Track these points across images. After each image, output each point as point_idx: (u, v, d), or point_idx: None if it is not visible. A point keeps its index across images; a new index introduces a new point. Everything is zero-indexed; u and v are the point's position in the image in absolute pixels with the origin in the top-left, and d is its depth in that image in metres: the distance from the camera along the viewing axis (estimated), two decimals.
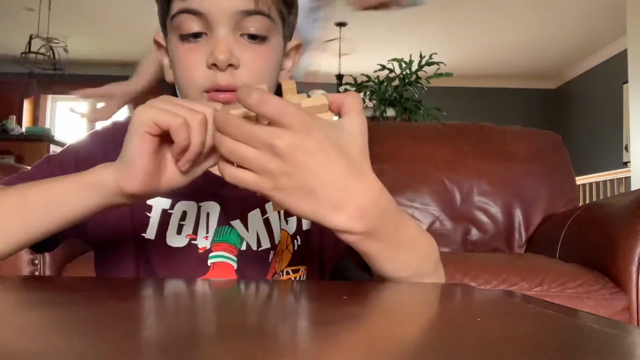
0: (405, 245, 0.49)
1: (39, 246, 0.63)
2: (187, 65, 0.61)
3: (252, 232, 0.66)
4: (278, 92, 0.51)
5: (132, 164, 0.47)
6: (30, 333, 0.27)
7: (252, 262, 0.66)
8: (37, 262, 1.33)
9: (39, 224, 0.51)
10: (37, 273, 1.33)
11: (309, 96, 0.46)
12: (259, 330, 0.29)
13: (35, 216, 0.51)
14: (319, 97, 0.46)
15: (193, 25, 0.59)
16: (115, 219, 0.65)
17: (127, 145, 0.47)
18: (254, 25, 0.60)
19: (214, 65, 0.59)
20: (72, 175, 0.51)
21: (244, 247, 0.66)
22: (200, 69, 0.60)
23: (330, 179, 0.43)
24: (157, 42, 0.70)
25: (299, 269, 0.69)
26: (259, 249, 0.66)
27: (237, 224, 0.66)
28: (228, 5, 0.59)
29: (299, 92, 0.47)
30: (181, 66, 0.62)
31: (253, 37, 0.61)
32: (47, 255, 1.34)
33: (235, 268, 0.65)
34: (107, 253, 0.68)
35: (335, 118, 0.46)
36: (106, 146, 0.63)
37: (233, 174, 0.44)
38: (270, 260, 0.67)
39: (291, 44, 0.70)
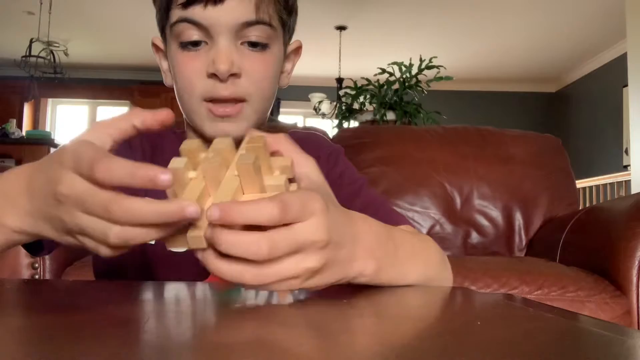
0: (408, 263, 0.49)
1: (35, 250, 0.63)
2: (187, 74, 0.60)
3: None
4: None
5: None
6: (30, 337, 0.27)
7: None
8: (37, 265, 1.33)
9: None
10: (37, 276, 1.33)
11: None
12: (259, 334, 0.29)
13: None
14: (283, 159, 0.41)
15: (193, 34, 0.59)
16: None
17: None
18: (255, 33, 0.60)
19: (214, 75, 0.58)
20: None
21: None
22: (201, 78, 0.59)
23: (345, 239, 0.41)
24: (155, 45, 0.69)
25: None
26: None
27: None
28: (229, 17, 0.58)
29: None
30: (181, 74, 0.61)
31: (254, 44, 0.60)
32: (47, 258, 1.34)
33: None
34: (104, 257, 0.67)
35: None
36: None
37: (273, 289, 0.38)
38: None
39: (291, 46, 0.70)
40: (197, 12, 0.58)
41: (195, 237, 0.36)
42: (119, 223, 0.35)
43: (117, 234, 0.35)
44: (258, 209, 0.34)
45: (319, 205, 0.38)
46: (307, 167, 0.43)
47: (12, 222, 0.42)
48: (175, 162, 0.38)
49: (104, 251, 0.38)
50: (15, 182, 0.43)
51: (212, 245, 0.35)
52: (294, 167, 0.42)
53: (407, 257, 0.49)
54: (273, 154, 0.42)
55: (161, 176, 0.34)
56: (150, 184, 0.34)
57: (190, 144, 0.40)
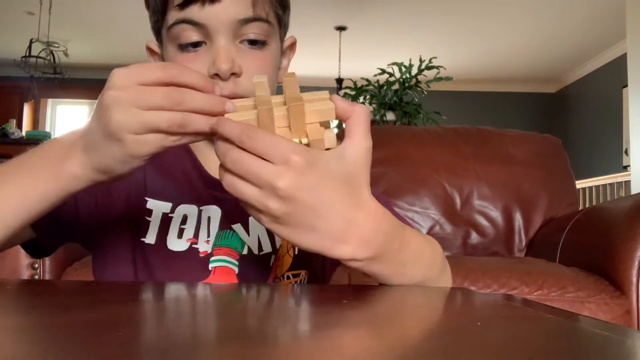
0: (410, 261, 0.50)
1: (37, 251, 0.63)
2: None
3: (253, 236, 0.66)
4: (279, 92, 0.50)
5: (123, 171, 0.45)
6: (29, 337, 0.27)
7: (253, 267, 0.66)
8: (37, 266, 1.33)
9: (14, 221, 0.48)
10: (37, 277, 1.33)
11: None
12: (259, 335, 0.29)
13: (10, 211, 0.48)
14: (320, 94, 0.43)
15: (192, 34, 0.59)
16: (113, 223, 0.65)
17: (110, 147, 0.44)
18: (254, 31, 0.60)
19: (216, 75, 0.58)
20: (37, 165, 0.48)
21: (245, 252, 0.66)
22: None
23: (331, 214, 0.42)
24: (149, 49, 0.70)
25: (299, 273, 0.69)
26: (260, 253, 0.66)
27: (238, 227, 0.66)
28: (227, 14, 0.58)
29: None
30: None
31: (253, 42, 0.61)
32: (47, 259, 1.34)
33: (236, 272, 0.65)
34: (104, 257, 0.68)
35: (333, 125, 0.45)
36: None
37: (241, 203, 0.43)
38: (271, 265, 0.67)
39: (286, 42, 0.70)
40: (194, 11, 0.58)
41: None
42: (180, 108, 0.42)
43: (183, 117, 0.42)
44: (230, 124, 0.41)
45: (298, 160, 0.40)
46: (354, 144, 0.44)
47: (69, 167, 0.46)
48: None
49: (168, 142, 0.43)
50: (71, 134, 0.48)
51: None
52: (345, 139, 0.44)
53: (411, 258, 0.50)
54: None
55: (217, 86, 0.45)
56: (211, 87, 0.44)
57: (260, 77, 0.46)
